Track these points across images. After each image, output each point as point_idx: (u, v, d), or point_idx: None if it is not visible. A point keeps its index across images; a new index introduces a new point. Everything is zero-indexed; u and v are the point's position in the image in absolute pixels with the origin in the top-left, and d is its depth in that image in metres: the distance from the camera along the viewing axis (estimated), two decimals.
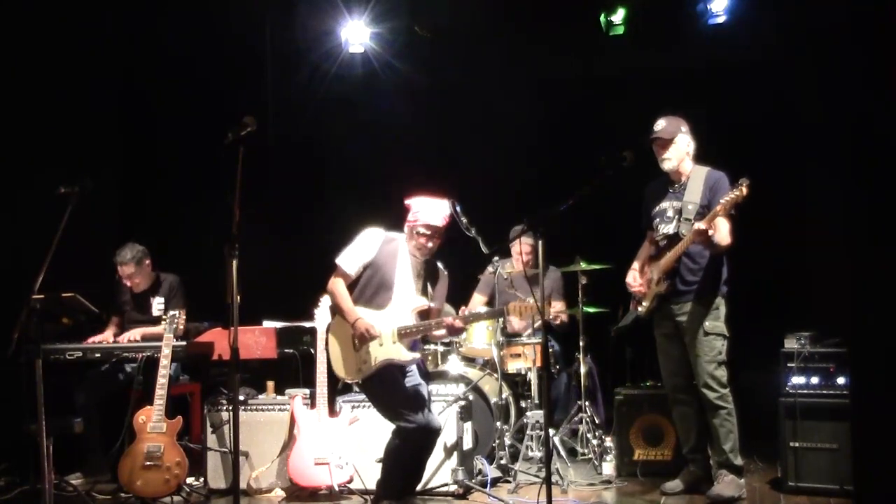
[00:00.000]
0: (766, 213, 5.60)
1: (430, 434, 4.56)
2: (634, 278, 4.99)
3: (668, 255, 4.79)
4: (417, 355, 4.64)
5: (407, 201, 4.65)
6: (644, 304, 4.94)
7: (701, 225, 4.54)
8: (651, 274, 4.93)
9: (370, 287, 4.62)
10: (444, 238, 4.65)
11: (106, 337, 5.84)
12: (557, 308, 6.29)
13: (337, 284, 4.62)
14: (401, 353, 4.54)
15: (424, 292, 4.67)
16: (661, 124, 4.85)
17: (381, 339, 4.51)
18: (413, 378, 4.61)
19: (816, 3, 5.13)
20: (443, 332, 4.64)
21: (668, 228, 4.84)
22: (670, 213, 4.86)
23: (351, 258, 4.63)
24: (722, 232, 4.64)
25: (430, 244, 4.59)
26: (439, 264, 4.78)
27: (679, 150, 4.83)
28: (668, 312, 4.88)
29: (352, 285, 4.66)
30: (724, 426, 4.75)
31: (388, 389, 4.56)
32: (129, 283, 5.90)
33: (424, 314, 4.66)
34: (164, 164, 7.39)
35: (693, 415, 4.93)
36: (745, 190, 4.39)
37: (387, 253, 4.63)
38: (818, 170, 6.01)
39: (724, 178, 4.75)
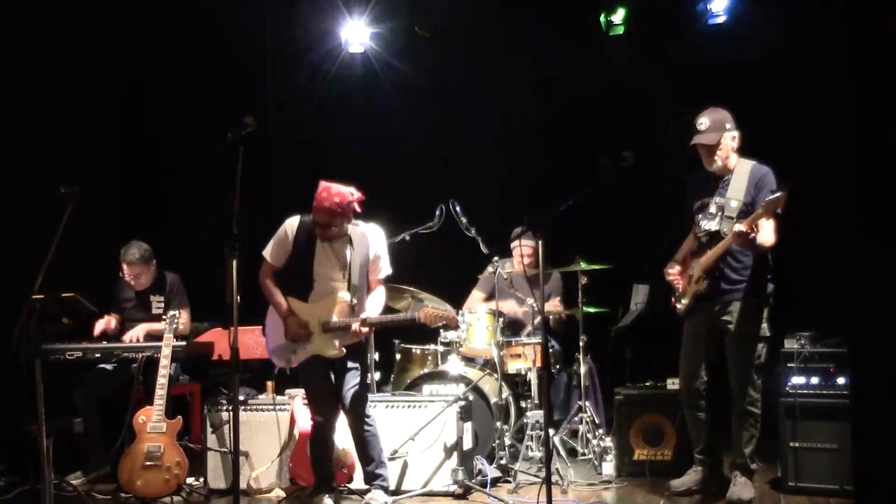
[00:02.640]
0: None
1: (327, 429, 4.72)
2: (673, 266, 4.84)
3: (709, 253, 4.63)
4: (343, 351, 4.65)
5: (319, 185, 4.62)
6: (683, 301, 4.80)
7: (741, 227, 4.37)
8: (692, 271, 4.78)
9: (292, 278, 4.70)
10: (345, 218, 4.58)
11: (109, 322, 5.81)
12: (555, 304, 6.28)
13: (265, 278, 4.72)
14: (327, 348, 4.63)
15: (348, 281, 4.66)
16: (704, 123, 4.65)
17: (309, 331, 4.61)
18: (340, 365, 4.68)
19: (816, 3, 5.14)
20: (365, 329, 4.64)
21: (710, 225, 4.69)
22: (713, 210, 4.69)
23: (273, 249, 4.72)
24: (765, 233, 4.49)
25: (326, 232, 4.60)
26: (353, 228, 4.69)
27: (724, 150, 4.66)
28: (707, 312, 4.73)
29: (280, 275, 4.72)
30: (749, 430, 4.70)
31: (309, 381, 4.76)
32: (132, 282, 5.88)
33: (349, 308, 4.66)
34: (164, 163, 7.39)
35: (705, 418, 4.87)
36: (786, 195, 4.28)
37: (303, 242, 4.67)
38: (818, 170, 6.01)
39: (769, 173, 4.60)
